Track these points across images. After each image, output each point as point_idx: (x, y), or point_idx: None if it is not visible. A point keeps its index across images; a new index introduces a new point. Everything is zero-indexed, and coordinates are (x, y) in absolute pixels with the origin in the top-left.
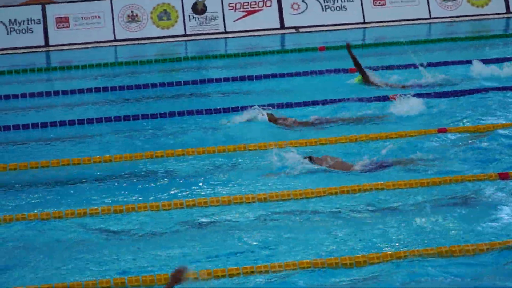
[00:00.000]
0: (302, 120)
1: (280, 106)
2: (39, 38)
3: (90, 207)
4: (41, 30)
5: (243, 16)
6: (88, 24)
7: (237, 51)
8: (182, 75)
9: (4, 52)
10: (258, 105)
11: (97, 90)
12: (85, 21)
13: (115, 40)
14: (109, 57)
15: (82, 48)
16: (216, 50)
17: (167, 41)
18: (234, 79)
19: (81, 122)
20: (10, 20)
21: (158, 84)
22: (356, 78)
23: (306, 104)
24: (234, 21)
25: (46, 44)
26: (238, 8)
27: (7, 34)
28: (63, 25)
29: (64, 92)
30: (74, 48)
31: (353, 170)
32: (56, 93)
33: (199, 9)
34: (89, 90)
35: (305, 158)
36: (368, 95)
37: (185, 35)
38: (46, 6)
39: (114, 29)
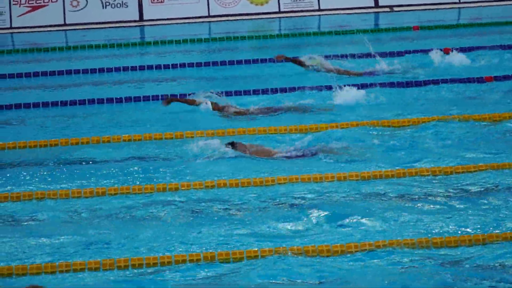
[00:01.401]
0: (241, 109)
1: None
2: (134, 13)
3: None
4: (136, 4)
5: None
6: (182, 0)
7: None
8: (275, 52)
9: (99, 26)
10: (204, 92)
11: (190, 65)
12: None
13: (209, 16)
14: (203, 33)
15: (175, 23)
16: (309, 27)
17: (261, 18)
18: None
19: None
20: None
21: (251, 60)
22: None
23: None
24: None
25: (141, 18)
26: None
27: (103, 8)
28: (157, 0)
29: (158, 67)
30: (168, 23)
31: (275, 156)
32: (150, 67)
33: None
34: (182, 65)
35: (227, 145)
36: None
37: (279, 12)
38: None
39: (208, 5)
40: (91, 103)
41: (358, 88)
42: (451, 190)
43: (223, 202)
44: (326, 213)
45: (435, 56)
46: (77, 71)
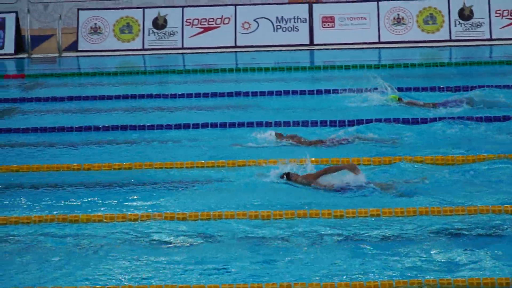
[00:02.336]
0: (307, 139)
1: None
2: (304, 37)
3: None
4: (307, 29)
5: None
6: (353, 25)
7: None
8: (445, 80)
9: (269, 49)
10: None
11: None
12: (351, 21)
13: (379, 42)
14: (372, 59)
15: (345, 48)
16: (480, 57)
17: (431, 46)
18: None
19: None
20: (277, 18)
21: (420, 88)
22: (391, 95)
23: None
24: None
25: (311, 42)
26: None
27: (273, 31)
28: (328, 24)
29: (327, 91)
30: (337, 48)
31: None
32: (319, 92)
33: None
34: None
35: (282, 177)
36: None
37: (450, 40)
38: (313, 5)
39: (379, 31)
40: (259, 126)
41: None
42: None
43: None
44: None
45: None
46: (246, 94)
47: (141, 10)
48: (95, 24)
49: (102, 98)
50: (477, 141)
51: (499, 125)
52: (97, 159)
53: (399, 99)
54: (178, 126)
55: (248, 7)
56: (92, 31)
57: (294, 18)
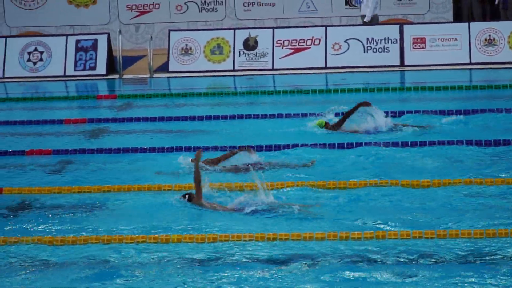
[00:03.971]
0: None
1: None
2: (395, 58)
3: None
4: (398, 49)
5: None
6: (444, 46)
7: None
8: None
9: (360, 69)
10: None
11: (450, 112)
12: (442, 42)
13: (471, 63)
14: (463, 79)
15: (436, 69)
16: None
17: None
18: None
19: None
20: (367, 39)
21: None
22: (317, 121)
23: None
24: None
25: (402, 63)
26: None
27: (364, 52)
28: (419, 45)
29: (417, 112)
30: (428, 69)
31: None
32: (409, 112)
33: None
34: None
35: (182, 197)
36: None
37: None
38: (404, 26)
39: (470, 51)
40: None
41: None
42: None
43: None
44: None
45: None
46: (337, 114)
47: (232, 31)
48: (186, 45)
49: (193, 118)
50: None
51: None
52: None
53: (326, 124)
54: (268, 148)
55: (338, 28)
56: (183, 52)
57: (384, 39)
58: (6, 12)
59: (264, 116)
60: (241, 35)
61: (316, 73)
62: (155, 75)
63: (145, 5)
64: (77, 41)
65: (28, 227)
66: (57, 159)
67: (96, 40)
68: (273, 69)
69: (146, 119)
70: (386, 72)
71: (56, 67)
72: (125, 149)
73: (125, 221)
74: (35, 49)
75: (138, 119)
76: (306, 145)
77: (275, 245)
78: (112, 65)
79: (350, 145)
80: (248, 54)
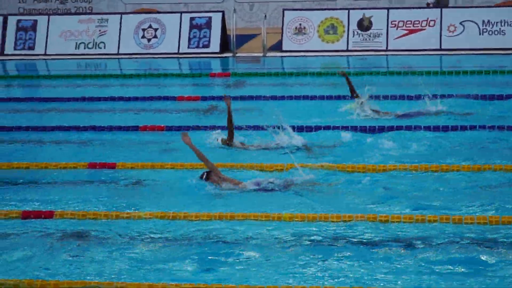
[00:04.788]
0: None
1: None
2: (510, 40)
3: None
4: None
5: None
6: None
7: None
8: None
9: (476, 52)
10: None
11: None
12: None
13: None
14: None
15: None
16: None
17: None
18: None
19: None
20: (483, 21)
21: None
22: (348, 105)
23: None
24: None
25: None
26: None
27: (479, 34)
28: None
29: None
30: None
31: (243, 187)
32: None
33: None
34: None
35: (201, 177)
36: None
37: None
38: None
39: None
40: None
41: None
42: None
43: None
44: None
45: None
46: (450, 95)
47: (346, 11)
48: (300, 24)
49: (306, 98)
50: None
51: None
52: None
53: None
54: (380, 129)
55: (454, 10)
56: (296, 31)
57: (501, 21)
58: None
59: (377, 97)
60: (356, 16)
61: (430, 54)
62: (268, 54)
63: None
64: (191, 19)
65: (144, 202)
66: (169, 135)
67: (210, 18)
68: (387, 49)
69: (259, 97)
70: (501, 55)
71: (170, 44)
72: (238, 127)
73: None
74: (150, 26)
75: (251, 98)
76: (338, 127)
77: (292, 225)
78: (225, 43)
79: (380, 129)
80: (362, 35)
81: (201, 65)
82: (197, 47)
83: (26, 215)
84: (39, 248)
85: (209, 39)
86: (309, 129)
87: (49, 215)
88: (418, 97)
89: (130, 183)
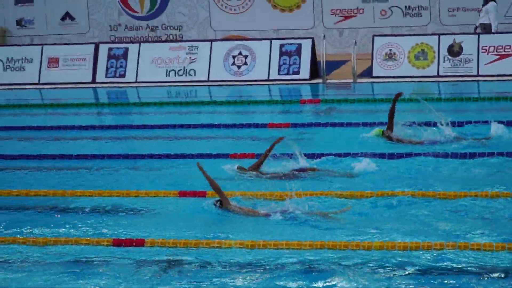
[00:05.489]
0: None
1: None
2: None
3: None
4: None
5: None
6: None
7: None
8: None
9: None
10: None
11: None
12: None
13: None
14: None
15: None
16: None
17: None
18: None
19: None
20: None
21: None
22: (374, 131)
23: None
24: None
25: None
26: None
27: None
28: None
29: None
30: None
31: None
32: None
33: None
34: None
35: (216, 203)
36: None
37: None
38: None
39: None
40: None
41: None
42: None
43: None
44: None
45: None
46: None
47: (436, 37)
48: (390, 50)
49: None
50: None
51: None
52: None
53: (383, 133)
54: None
55: None
56: (387, 57)
57: None
58: (211, 16)
59: (469, 123)
60: (446, 41)
61: None
62: (359, 80)
63: (349, 10)
64: (281, 45)
65: (234, 231)
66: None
67: (300, 44)
68: (478, 75)
69: (349, 124)
70: None
71: (260, 71)
72: (326, 154)
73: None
74: (240, 53)
75: (341, 124)
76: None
77: (304, 253)
78: (315, 70)
79: (399, 155)
80: (452, 60)
81: (291, 92)
82: (287, 73)
83: (117, 243)
84: (128, 275)
85: (299, 66)
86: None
87: (140, 243)
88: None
89: (222, 211)
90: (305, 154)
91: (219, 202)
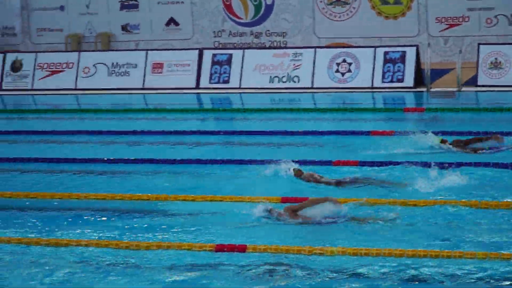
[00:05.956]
0: (328, 179)
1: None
2: None
3: None
4: None
5: None
6: None
7: None
8: None
9: None
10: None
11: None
12: None
13: None
14: None
15: None
16: None
17: None
18: None
19: None
20: None
21: None
22: (439, 138)
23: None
24: None
25: None
26: None
27: None
28: None
29: None
30: None
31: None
32: None
33: None
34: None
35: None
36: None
37: None
38: None
39: None
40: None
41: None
42: None
43: None
44: None
45: None
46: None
47: None
48: (496, 58)
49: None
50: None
51: None
52: None
53: (442, 141)
54: None
55: None
56: (492, 65)
57: None
58: (316, 23)
59: None
60: None
61: None
62: (463, 88)
63: (455, 18)
64: (385, 53)
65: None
66: (363, 170)
67: (404, 52)
68: None
69: (453, 133)
70: None
71: (363, 78)
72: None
73: None
74: (344, 60)
75: (445, 133)
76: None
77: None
78: (419, 78)
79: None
80: None
81: (394, 100)
82: (391, 81)
83: (219, 248)
84: (231, 281)
85: (403, 73)
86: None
87: (242, 249)
88: None
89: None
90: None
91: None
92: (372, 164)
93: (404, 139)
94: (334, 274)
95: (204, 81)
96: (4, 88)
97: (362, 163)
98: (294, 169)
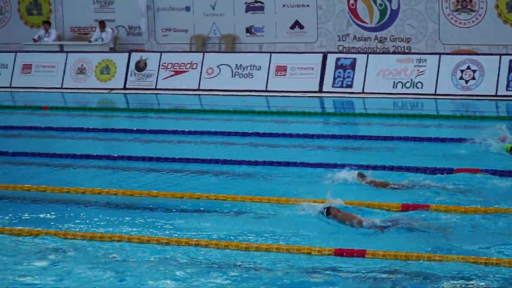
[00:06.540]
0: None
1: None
2: None
3: None
4: None
5: None
6: None
7: None
8: None
9: None
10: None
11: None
12: None
13: None
14: None
15: None
16: None
17: None
18: None
19: None
20: None
21: None
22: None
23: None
24: None
25: None
26: None
27: None
28: None
29: None
30: None
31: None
32: None
33: None
34: None
35: (322, 212)
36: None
37: None
38: None
39: None
40: None
41: None
42: None
43: None
44: None
45: None
46: None
47: None
48: None
49: None
50: None
51: None
52: None
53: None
54: None
55: None
56: None
57: None
58: (441, 29)
59: None
60: None
61: None
62: None
63: None
64: (511, 61)
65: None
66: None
67: None
68: None
69: None
70: None
71: (488, 86)
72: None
73: None
74: (468, 67)
75: None
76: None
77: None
78: None
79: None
80: None
81: None
82: None
83: (339, 253)
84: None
85: None
86: None
87: (361, 254)
88: None
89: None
90: None
91: (325, 210)
92: (494, 172)
93: None
94: (454, 281)
95: (327, 85)
96: (127, 87)
97: (483, 171)
98: (359, 174)
